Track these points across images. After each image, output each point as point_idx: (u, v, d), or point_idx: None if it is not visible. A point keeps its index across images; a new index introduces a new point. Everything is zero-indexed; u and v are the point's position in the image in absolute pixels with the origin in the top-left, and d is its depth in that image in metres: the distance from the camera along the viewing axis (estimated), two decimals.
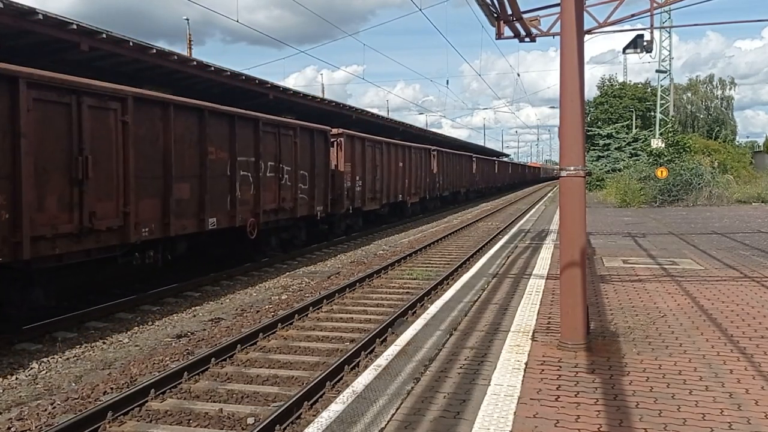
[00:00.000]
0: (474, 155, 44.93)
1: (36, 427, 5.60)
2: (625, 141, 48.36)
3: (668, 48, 41.08)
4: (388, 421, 4.29)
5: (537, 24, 11.06)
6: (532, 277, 9.99)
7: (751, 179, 35.16)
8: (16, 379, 6.98)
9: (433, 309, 7.87)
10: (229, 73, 16.76)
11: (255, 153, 13.46)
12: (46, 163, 8.16)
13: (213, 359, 7.23)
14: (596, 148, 48.24)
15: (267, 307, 10.46)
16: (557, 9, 9.49)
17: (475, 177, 44.71)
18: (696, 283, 9.15)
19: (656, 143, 36.11)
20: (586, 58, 8.11)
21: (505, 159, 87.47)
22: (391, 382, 5.15)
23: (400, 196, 25.45)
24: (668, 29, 39.32)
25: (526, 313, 7.36)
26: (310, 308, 9.90)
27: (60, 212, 8.37)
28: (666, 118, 42.04)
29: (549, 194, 52.38)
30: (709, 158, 36.06)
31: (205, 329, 9.06)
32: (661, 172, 29.25)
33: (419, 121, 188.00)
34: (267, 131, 14.08)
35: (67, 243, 8.53)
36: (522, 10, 10.10)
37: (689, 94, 79.04)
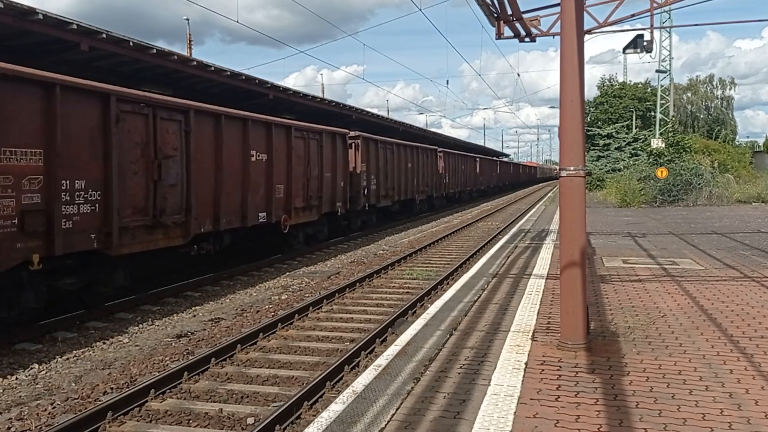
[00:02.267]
0: (440, 149, 33.44)
1: (36, 427, 5.59)
2: (625, 141, 48.35)
3: (668, 48, 41.12)
4: (388, 421, 4.29)
5: (537, 24, 11.06)
6: (532, 277, 9.99)
7: (751, 179, 35.16)
8: (16, 379, 6.98)
9: (433, 309, 7.87)
10: (228, 73, 16.76)
11: None
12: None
13: (213, 359, 7.23)
14: (596, 148, 48.23)
15: (267, 307, 10.45)
16: (557, 9, 9.49)
17: (443, 179, 33.69)
18: (696, 283, 9.15)
19: (656, 143, 36.13)
20: (586, 58, 8.10)
21: (506, 159, 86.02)
22: (391, 382, 5.15)
23: (263, 215, 13.87)
24: (668, 29, 39.36)
25: (526, 313, 7.36)
26: (310, 308, 9.90)
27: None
28: (666, 118, 42.05)
29: (548, 194, 52.34)
30: (709, 158, 36.07)
31: (205, 329, 9.06)
32: (661, 172, 29.27)
33: (419, 121, 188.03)
34: None
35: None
36: (522, 10, 10.10)
37: (689, 94, 79.03)
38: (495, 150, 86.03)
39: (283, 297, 11.28)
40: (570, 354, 5.63)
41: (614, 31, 12.88)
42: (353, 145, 20.43)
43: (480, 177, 46.90)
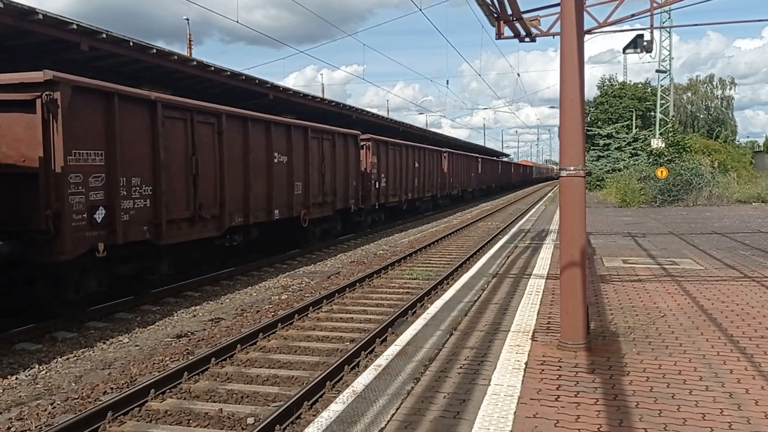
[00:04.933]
0: (365, 135, 21.90)
1: (36, 427, 5.60)
2: (625, 141, 48.33)
3: (668, 48, 41.10)
4: (388, 421, 4.29)
5: (537, 24, 11.06)
6: (532, 277, 9.99)
7: (751, 179, 35.16)
8: (16, 379, 6.98)
9: (433, 309, 7.87)
10: (229, 73, 16.76)
11: None
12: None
13: (213, 359, 7.23)
14: (596, 148, 48.20)
15: (267, 306, 10.46)
16: (557, 9, 9.49)
17: (375, 182, 22.47)
18: (696, 283, 9.15)
19: (656, 143, 36.12)
20: (586, 58, 8.11)
21: (506, 158, 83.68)
22: (391, 382, 5.15)
23: None
24: (668, 29, 39.34)
25: (526, 313, 7.36)
26: (310, 308, 9.90)
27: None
28: (666, 118, 42.05)
29: (549, 194, 52.30)
30: (709, 158, 36.08)
31: (205, 329, 9.06)
32: (661, 172, 29.27)
33: (419, 121, 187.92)
34: None
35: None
36: (522, 10, 10.10)
37: (689, 94, 79.07)
38: (489, 148, 78.89)
39: (283, 297, 11.28)
40: (570, 354, 5.63)
41: (614, 31, 12.89)
42: (151, 113, 10.22)
43: (451, 179, 35.52)
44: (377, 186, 22.80)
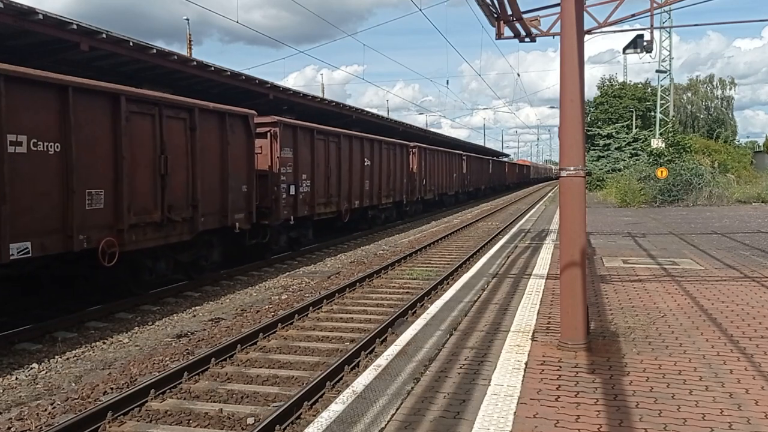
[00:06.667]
0: (271, 119, 15.04)
1: (36, 427, 5.60)
2: (625, 141, 48.30)
3: (668, 48, 41.10)
4: (388, 421, 4.29)
5: (537, 24, 11.05)
6: (532, 277, 9.99)
7: (751, 179, 35.16)
8: (16, 379, 6.98)
9: (433, 309, 7.87)
10: (228, 73, 16.74)
11: None
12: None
13: (213, 359, 7.24)
14: (596, 148, 48.17)
15: (267, 307, 10.46)
16: (557, 9, 9.48)
17: (283, 184, 15.23)
18: (696, 283, 9.15)
19: (656, 143, 36.12)
20: (586, 58, 8.11)
21: (502, 157, 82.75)
22: (391, 382, 5.15)
23: None
24: (668, 29, 39.34)
25: (526, 313, 7.36)
26: (310, 308, 9.90)
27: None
28: (666, 118, 42.04)
29: (548, 194, 52.22)
30: (709, 158, 36.09)
31: (205, 329, 9.06)
32: (661, 172, 29.28)
33: (419, 121, 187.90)
34: None
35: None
36: (522, 10, 10.09)
37: (689, 94, 79.05)
38: (489, 148, 74.93)
39: (283, 297, 11.28)
40: (570, 354, 5.63)
41: (614, 31, 12.89)
42: None
43: (423, 180, 29.48)
44: (293, 191, 15.81)
